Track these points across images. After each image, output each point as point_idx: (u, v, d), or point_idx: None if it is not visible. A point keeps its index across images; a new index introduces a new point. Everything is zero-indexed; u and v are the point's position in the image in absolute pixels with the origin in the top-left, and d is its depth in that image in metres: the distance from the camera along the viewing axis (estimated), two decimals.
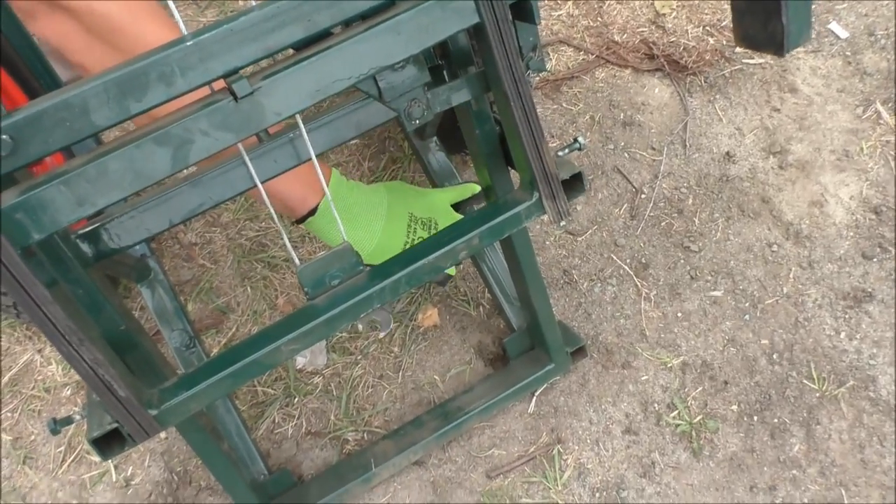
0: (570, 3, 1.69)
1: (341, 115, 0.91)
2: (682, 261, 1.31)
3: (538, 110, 1.50)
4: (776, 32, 0.61)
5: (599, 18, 1.66)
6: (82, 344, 0.70)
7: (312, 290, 0.82)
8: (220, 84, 0.67)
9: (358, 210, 0.98)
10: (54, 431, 0.79)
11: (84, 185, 0.63)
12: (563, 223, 0.89)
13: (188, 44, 0.64)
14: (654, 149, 1.45)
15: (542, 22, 1.67)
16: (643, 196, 1.39)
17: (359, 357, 1.26)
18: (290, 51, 0.73)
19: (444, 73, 0.89)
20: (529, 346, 1.20)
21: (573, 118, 1.50)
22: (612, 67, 1.57)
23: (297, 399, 1.23)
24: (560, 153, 0.95)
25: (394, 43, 0.71)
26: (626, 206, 1.38)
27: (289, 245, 0.81)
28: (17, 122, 0.59)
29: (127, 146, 0.63)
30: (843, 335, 1.22)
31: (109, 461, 1.20)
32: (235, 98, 0.67)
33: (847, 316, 1.24)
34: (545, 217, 0.87)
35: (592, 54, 1.58)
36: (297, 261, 0.83)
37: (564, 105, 1.52)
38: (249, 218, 1.42)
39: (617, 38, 1.60)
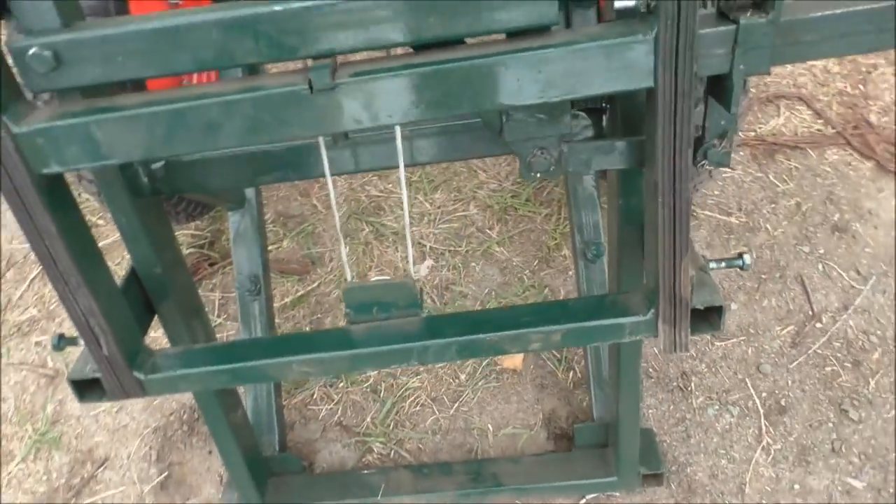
0: None
1: (446, 132, 0.75)
2: (830, 424, 1.04)
3: (738, 171, 1.25)
4: None
5: (861, 87, 1.33)
6: (79, 288, 0.63)
7: (355, 313, 0.70)
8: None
9: None
10: (56, 347, 0.75)
11: (136, 131, 0.54)
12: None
13: (276, 8, 0.52)
14: (858, 273, 1.15)
15: (788, 67, 1.37)
16: (818, 325, 1.11)
17: (421, 368, 1.14)
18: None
19: (602, 122, 0.71)
20: (602, 441, 1.02)
21: (774, 197, 1.23)
22: (850, 152, 1.26)
23: (342, 384, 1.14)
24: (712, 265, 0.74)
25: (533, 81, 0.55)
26: (791, 328, 1.11)
27: (345, 257, 0.69)
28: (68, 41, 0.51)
29: (197, 100, 0.53)
30: None
31: None
32: (311, 89, 0.54)
33: None
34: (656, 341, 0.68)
35: (833, 128, 1.28)
36: (349, 275, 0.71)
37: (771, 177, 1.25)
38: (379, 175, 1.32)
39: (873, 118, 1.28)
